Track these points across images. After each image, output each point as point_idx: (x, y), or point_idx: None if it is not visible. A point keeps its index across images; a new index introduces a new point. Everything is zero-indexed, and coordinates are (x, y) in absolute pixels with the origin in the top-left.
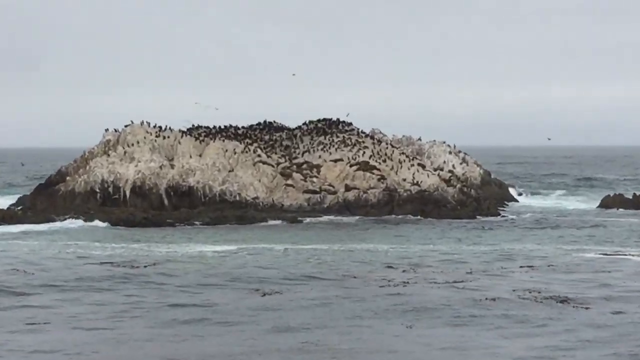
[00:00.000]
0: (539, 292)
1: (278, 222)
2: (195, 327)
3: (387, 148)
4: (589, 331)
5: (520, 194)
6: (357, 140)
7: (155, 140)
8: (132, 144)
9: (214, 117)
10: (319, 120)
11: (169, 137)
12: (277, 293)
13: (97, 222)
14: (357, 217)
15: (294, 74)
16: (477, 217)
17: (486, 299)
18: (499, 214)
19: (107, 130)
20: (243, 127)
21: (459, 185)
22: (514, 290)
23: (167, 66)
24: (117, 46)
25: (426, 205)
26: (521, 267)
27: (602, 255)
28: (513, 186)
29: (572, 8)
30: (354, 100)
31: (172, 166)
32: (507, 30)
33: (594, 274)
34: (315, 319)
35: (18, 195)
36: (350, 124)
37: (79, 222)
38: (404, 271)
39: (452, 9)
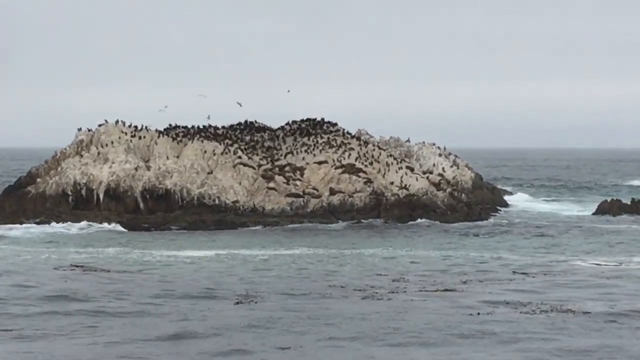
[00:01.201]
0: (535, 305)
1: (259, 227)
2: (160, 343)
3: (374, 150)
4: (584, 350)
5: (513, 198)
6: (342, 141)
7: (131, 141)
8: (106, 144)
9: (191, 115)
10: (302, 120)
11: (144, 137)
12: (252, 302)
13: (68, 226)
14: (344, 223)
15: (288, 90)
16: (468, 222)
17: (479, 313)
18: (491, 220)
19: (79, 129)
20: (223, 127)
21: (449, 189)
22: (508, 303)
23: (141, 60)
24: (92, 39)
25: (415, 210)
26: (515, 277)
27: (601, 265)
28: (506, 190)
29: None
30: (340, 99)
31: (148, 168)
32: (503, 23)
33: (593, 285)
34: (290, 336)
35: None
36: (336, 124)
37: (50, 226)
38: (393, 280)
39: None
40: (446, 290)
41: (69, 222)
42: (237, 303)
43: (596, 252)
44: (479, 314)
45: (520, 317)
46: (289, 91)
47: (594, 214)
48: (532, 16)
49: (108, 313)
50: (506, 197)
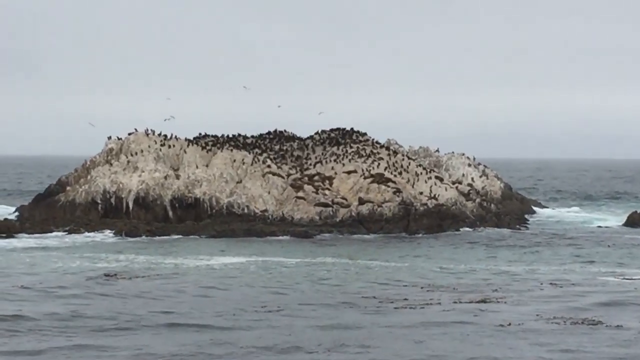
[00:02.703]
0: (566, 318)
1: (287, 236)
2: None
3: (403, 160)
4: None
5: (542, 209)
6: (371, 151)
7: (160, 149)
8: (136, 153)
9: (224, 125)
10: (332, 130)
11: (174, 146)
12: (287, 316)
13: (98, 235)
14: (373, 234)
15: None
16: (497, 233)
17: (509, 324)
18: (521, 231)
19: (109, 138)
20: (252, 136)
21: (478, 200)
22: (538, 315)
23: (173, 68)
24: (121, 47)
25: (444, 220)
26: (545, 288)
27: (633, 279)
28: (535, 201)
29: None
30: (370, 107)
31: (178, 176)
32: (524, 31)
33: (623, 298)
34: (322, 348)
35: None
36: (365, 134)
37: (80, 234)
38: (427, 290)
39: (466, 8)
40: (481, 301)
41: (98, 231)
42: (265, 310)
43: (626, 264)
44: (509, 324)
45: (552, 329)
46: (320, 113)
47: (623, 225)
48: (564, 23)
49: (144, 325)
50: (535, 208)
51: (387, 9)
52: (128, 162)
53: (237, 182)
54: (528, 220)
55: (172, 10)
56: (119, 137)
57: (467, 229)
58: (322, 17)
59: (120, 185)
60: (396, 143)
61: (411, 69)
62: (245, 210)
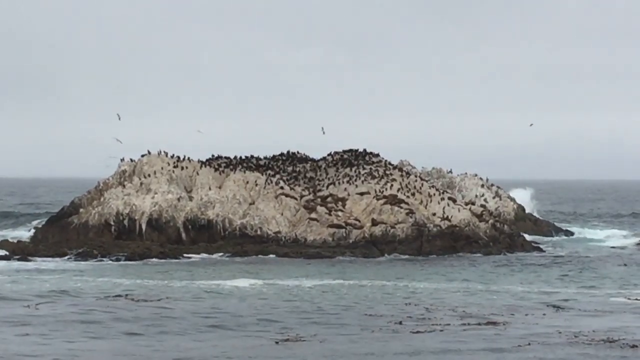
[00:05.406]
0: (583, 339)
1: (300, 258)
2: None
3: (416, 181)
4: None
5: (557, 229)
6: (384, 172)
7: (173, 171)
8: (149, 175)
9: (235, 147)
10: (344, 151)
11: (187, 167)
12: (300, 340)
13: (111, 257)
14: (386, 256)
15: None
16: (511, 254)
17: (529, 344)
18: (534, 252)
19: (122, 160)
20: (265, 158)
21: (491, 221)
22: (550, 336)
23: (189, 91)
24: (141, 68)
25: (457, 242)
26: (557, 310)
27: None
28: (549, 221)
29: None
30: (384, 129)
31: (191, 198)
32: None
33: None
34: None
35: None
36: (378, 155)
37: (92, 257)
38: (435, 313)
39: (499, 30)
40: (489, 323)
41: (111, 253)
42: (285, 340)
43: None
44: (529, 344)
45: (567, 350)
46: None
47: (637, 244)
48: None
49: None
50: (550, 229)
51: (406, 33)
52: (141, 184)
53: (250, 204)
54: (542, 241)
55: (192, 32)
56: (132, 158)
57: (480, 250)
58: (341, 42)
59: (133, 207)
60: (409, 164)
61: (430, 92)
62: (259, 232)
